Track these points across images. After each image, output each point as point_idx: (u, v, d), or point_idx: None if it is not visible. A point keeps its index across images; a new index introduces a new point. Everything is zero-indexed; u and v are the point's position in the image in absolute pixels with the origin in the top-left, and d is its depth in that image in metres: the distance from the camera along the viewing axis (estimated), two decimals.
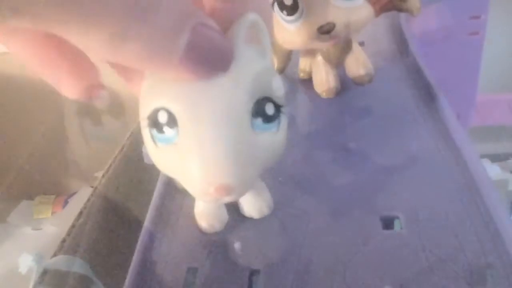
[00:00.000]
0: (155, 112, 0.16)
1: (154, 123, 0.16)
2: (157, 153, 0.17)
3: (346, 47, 0.32)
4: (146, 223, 0.25)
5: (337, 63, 0.34)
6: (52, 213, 0.71)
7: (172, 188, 0.27)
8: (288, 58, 0.37)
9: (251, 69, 0.16)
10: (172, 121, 0.15)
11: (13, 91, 0.67)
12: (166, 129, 0.16)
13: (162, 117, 0.15)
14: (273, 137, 0.17)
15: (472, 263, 0.21)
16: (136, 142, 0.38)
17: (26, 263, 0.46)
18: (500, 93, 0.72)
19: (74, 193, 0.73)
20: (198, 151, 0.15)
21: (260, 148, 0.16)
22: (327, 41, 0.29)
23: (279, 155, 0.18)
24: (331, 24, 0.27)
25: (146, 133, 0.16)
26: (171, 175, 0.18)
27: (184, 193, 0.26)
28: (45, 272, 0.26)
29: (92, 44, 0.12)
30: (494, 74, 0.70)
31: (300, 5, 0.28)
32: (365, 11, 0.28)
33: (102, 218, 0.31)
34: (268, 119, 0.16)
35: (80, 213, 0.30)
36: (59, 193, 0.74)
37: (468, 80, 0.58)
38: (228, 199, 0.17)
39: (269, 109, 0.16)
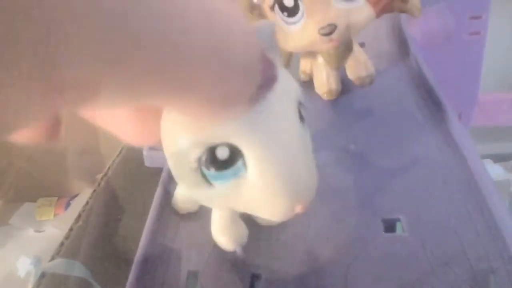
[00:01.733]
0: (211, 149, 0.14)
1: (212, 162, 0.14)
2: (213, 192, 0.15)
3: (347, 48, 0.32)
4: (147, 226, 0.25)
5: (338, 64, 0.33)
6: (55, 215, 0.71)
7: (173, 192, 0.27)
8: (288, 59, 0.37)
9: (283, 78, 0.15)
10: (235, 155, 0.14)
11: None
12: (229, 165, 0.14)
13: (222, 154, 0.14)
14: (308, 133, 0.17)
15: (475, 267, 0.20)
16: None
17: (24, 267, 0.46)
18: (502, 93, 0.72)
19: (77, 195, 0.73)
20: (278, 176, 0.15)
21: (309, 148, 0.17)
22: (328, 43, 0.29)
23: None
24: (332, 26, 0.27)
25: (193, 177, 0.15)
26: (232, 208, 0.17)
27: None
28: (43, 276, 0.26)
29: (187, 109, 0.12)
30: (496, 74, 0.69)
31: (301, 6, 0.27)
32: (366, 12, 0.28)
33: (101, 221, 0.31)
34: (303, 119, 0.16)
35: (79, 216, 0.30)
36: (61, 195, 0.74)
37: (470, 80, 0.58)
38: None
39: (303, 110, 0.16)
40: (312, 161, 0.16)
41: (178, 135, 0.15)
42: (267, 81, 0.13)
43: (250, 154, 0.14)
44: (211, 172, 0.15)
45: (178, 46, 0.09)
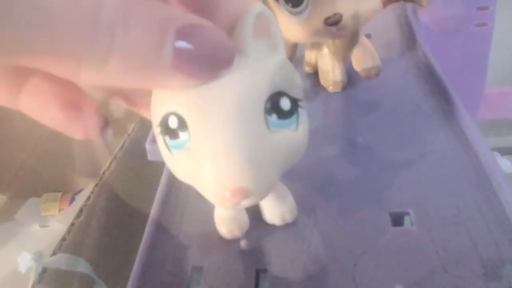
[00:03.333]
0: (165, 118, 0.15)
1: (166, 130, 0.15)
2: (172, 161, 0.16)
3: (353, 39, 0.32)
4: (150, 222, 0.25)
5: (344, 56, 0.33)
6: (59, 210, 0.71)
7: (176, 186, 0.26)
8: (293, 51, 0.36)
9: (261, 64, 0.15)
10: (183, 125, 0.15)
11: None
12: (177, 134, 0.15)
13: (173, 122, 0.15)
14: (292, 135, 0.16)
15: (485, 260, 0.20)
16: (139, 138, 0.37)
17: (25, 262, 0.46)
18: (510, 86, 0.71)
19: (81, 190, 0.73)
20: (210, 154, 0.14)
21: (277, 147, 0.15)
22: (334, 33, 0.28)
23: (300, 153, 0.17)
24: (338, 16, 0.26)
25: (160, 141, 0.16)
26: (188, 182, 0.17)
27: (188, 192, 0.26)
28: (44, 271, 0.26)
29: (70, 71, 0.12)
30: (503, 66, 0.69)
31: None
32: (373, 2, 0.27)
33: (103, 216, 0.31)
34: (284, 115, 0.15)
35: (80, 211, 0.30)
36: (66, 190, 0.74)
37: (477, 72, 0.57)
38: (246, 203, 0.16)
39: (285, 104, 0.15)
40: (272, 155, 0.15)
41: (153, 106, 0.16)
42: (188, 48, 0.13)
43: (192, 126, 0.15)
44: (167, 140, 0.15)
45: None
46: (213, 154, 0.14)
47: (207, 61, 0.13)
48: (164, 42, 0.12)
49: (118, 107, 0.18)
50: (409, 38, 0.39)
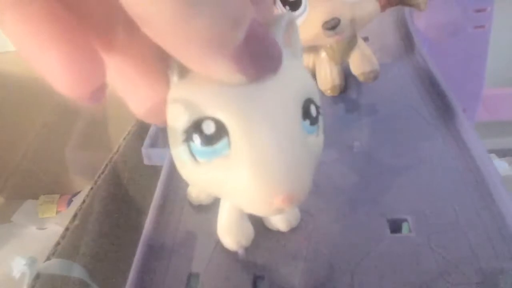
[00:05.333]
0: (197, 123, 0.14)
1: (198, 136, 0.14)
2: (197, 170, 0.15)
3: (350, 43, 0.32)
4: (146, 227, 0.25)
5: (342, 59, 0.33)
6: (57, 212, 0.71)
7: (173, 192, 0.26)
8: None
9: (293, 71, 0.15)
10: (221, 132, 0.14)
11: (15, 90, 0.67)
12: (214, 140, 0.14)
13: (208, 128, 0.14)
14: (316, 140, 0.16)
15: (484, 268, 0.20)
16: (134, 142, 0.37)
17: (18, 268, 0.46)
18: (507, 88, 0.71)
19: (79, 192, 0.73)
20: (259, 160, 0.14)
21: (311, 152, 0.16)
22: (331, 37, 0.28)
23: (321, 156, 0.17)
24: (336, 20, 0.26)
25: (182, 149, 0.15)
26: (215, 192, 0.16)
27: (185, 197, 0.26)
28: (37, 277, 0.26)
29: (156, 13, 0.10)
30: (501, 68, 0.69)
31: (304, 0, 0.27)
32: (371, 6, 0.27)
33: (98, 221, 0.30)
34: (313, 121, 0.15)
35: (75, 215, 0.30)
36: (63, 192, 0.74)
37: (474, 74, 0.57)
38: (288, 209, 0.15)
39: (313, 111, 0.15)
40: (307, 160, 0.15)
41: (172, 108, 0.15)
42: (253, 43, 0.12)
43: (233, 132, 0.14)
44: (197, 146, 0.14)
45: None
46: (260, 161, 0.14)
47: (262, 63, 0.13)
48: (239, 26, 0.12)
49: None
50: (407, 42, 0.39)
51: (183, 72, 0.15)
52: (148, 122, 0.16)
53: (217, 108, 0.14)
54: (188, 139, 0.14)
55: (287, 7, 0.27)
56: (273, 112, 0.14)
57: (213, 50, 0.12)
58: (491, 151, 0.73)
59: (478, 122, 0.62)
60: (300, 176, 0.15)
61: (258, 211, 0.15)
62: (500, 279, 0.19)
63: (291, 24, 0.16)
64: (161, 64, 0.15)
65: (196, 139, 0.14)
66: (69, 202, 0.72)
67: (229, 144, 0.14)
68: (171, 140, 0.15)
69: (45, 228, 0.67)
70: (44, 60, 0.12)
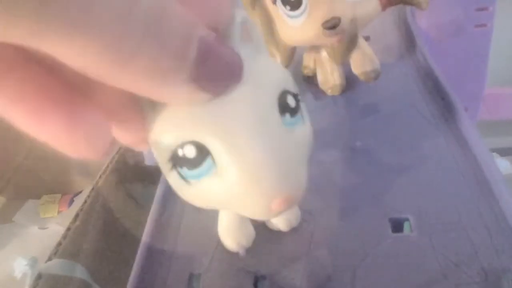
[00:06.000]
0: (178, 151, 0.14)
1: (182, 162, 0.14)
2: (192, 191, 0.15)
3: (351, 42, 0.31)
4: (147, 228, 0.25)
5: (343, 59, 0.33)
6: (58, 212, 0.71)
7: (174, 193, 0.26)
8: (291, 54, 0.36)
9: (260, 68, 0.15)
10: (202, 153, 0.14)
11: None
12: (198, 163, 0.14)
13: (190, 152, 0.14)
14: (304, 128, 0.16)
15: (486, 268, 0.20)
16: None
17: (20, 268, 0.46)
18: (509, 87, 0.71)
19: (80, 192, 0.73)
20: (247, 171, 0.14)
21: (299, 144, 0.15)
22: (332, 37, 0.28)
23: (312, 144, 0.17)
24: (336, 19, 0.26)
25: (173, 176, 0.15)
26: (215, 207, 0.16)
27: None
28: (39, 277, 0.25)
29: (91, 60, 0.10)
30: (503, 67, 0.68)
31: None
32: (372, 5, 0.27)
33: (99, 221, 0.30)
34: (293, 111, 0.15)
35: (76, 215, 0.30)
36: (65, 192, 0.74)
37: (476, 73, 0.57)
38: (289, 208, 0.15)
39: (291, 101, 0.15)
40: (297, 155, 0.15)
41: (152, 141, 0.15)
42: (207, 60, 0.12)
43: (214, 150, 0.14)
44: (184, 171, 0.14)
45: None
46: (248, 171, 0.14)
47: (222, 77, 0.13)
48: (188, 48, 0.11)
49: None
50: (409, 41, 0.39)
51: (154, 104, 0.14)
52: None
53: (192, 131, 0.14)
54: (174, 167, 0.14)
55: (288, 7, 0.27)
56: (249, 119, 0.14)
57: (167, 79, 0.11)
58: (492, 150, 0.73)
59: (480, 121, 0.62)
60: (292, 174, 0.14)
61: (259, 217, 0.15)
62: (502, 278, 0.19)
63: (246, 20, 0.15)
64: (132, 104, 0.14)
65: (182, 166, 0.14)
66: (71, 202, 0.72)
67: (214, 162, 0.14)
68: (161, 168, 0.15)
69: (47, 228, 0.67)
70: (45, 132, 0.12)
